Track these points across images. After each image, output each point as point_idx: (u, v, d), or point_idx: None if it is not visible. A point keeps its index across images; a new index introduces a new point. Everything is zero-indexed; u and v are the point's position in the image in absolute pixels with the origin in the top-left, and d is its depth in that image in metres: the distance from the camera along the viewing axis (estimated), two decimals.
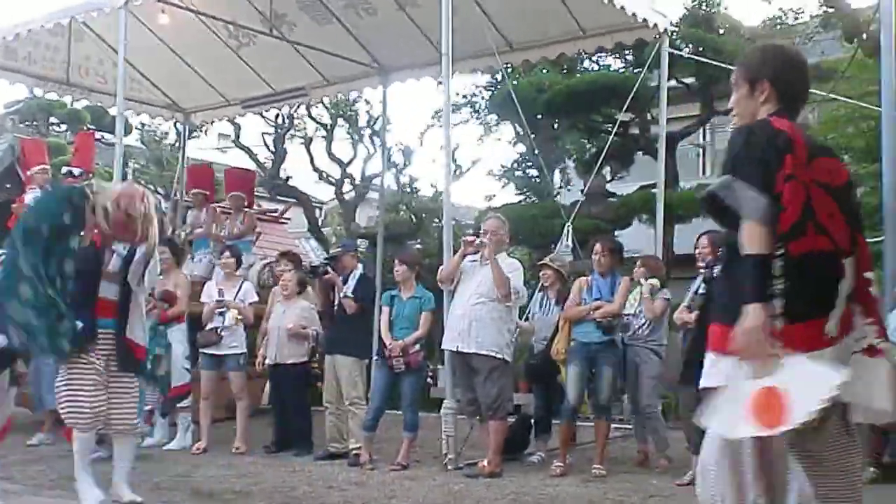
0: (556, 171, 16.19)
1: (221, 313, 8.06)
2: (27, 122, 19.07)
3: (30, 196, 9.05)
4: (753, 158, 2.86)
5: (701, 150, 17.85)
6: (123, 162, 10.36)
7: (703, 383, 2.98)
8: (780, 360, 2.74)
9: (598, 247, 7.18)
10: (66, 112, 19.03)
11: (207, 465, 7.08)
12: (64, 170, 9.97)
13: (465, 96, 17.59)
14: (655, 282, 7.18)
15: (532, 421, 7.75)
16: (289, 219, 16.95)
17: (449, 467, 6.93)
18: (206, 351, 8.07)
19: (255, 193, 12.31)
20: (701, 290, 6.36)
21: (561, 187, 16.10)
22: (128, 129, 15.35)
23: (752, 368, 2.78)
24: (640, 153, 13.31)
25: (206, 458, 7.45)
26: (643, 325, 7.14)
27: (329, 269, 7.68)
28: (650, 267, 7.34)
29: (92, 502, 5.14)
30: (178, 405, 8.08)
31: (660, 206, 9.58)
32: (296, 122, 17.99)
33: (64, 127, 19.64)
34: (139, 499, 5.43)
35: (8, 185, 14.44)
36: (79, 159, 10.38)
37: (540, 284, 7.93)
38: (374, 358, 7.54)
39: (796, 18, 14.19)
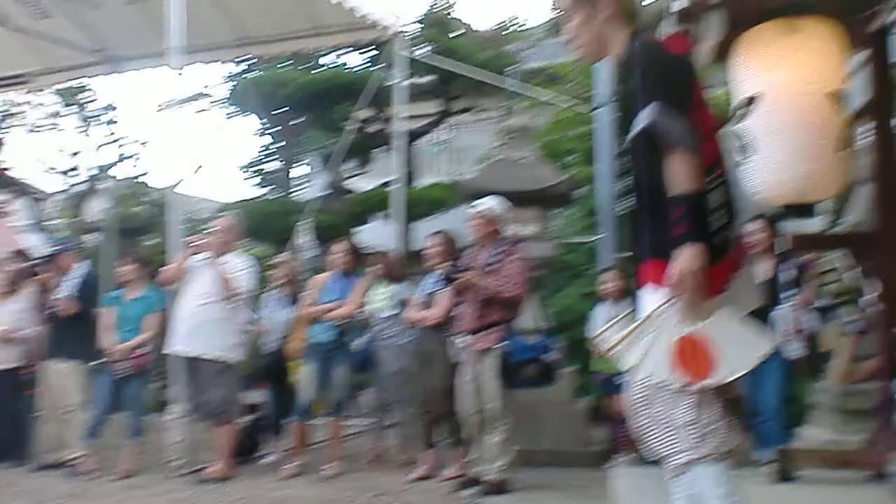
0: (299, 167, 16.06)
1: None
2: None
3: None
4: (669, 82, 2.60)
5: (439, 148, 18.31)
6: None
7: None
8: (711, 310, 2.58)
9: (337, 247, 7.16)
10: None
11: None
12: None
13: (205, 87, 17.06)
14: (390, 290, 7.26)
15: (266, 421, 7.63)
16: (11, 212, 15.64)
17: (176, 474, 6.68)
18: None
19: None
20: (433, 289, 6.47)
21: (302, 183, 15.99)
22: None
23: (680, 313, 2.56)
24: (379, 150, 13.47)
25: None
26: (380, 323, 7.20)
27: (43, 268, 7.18)
28: (386, 265, 7.38)
29: None
30: None
31: (400, 202, 9.68)
32: (18, 109, 16.69)
33: None
34: None
35: None
36: None
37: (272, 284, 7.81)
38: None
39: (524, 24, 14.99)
